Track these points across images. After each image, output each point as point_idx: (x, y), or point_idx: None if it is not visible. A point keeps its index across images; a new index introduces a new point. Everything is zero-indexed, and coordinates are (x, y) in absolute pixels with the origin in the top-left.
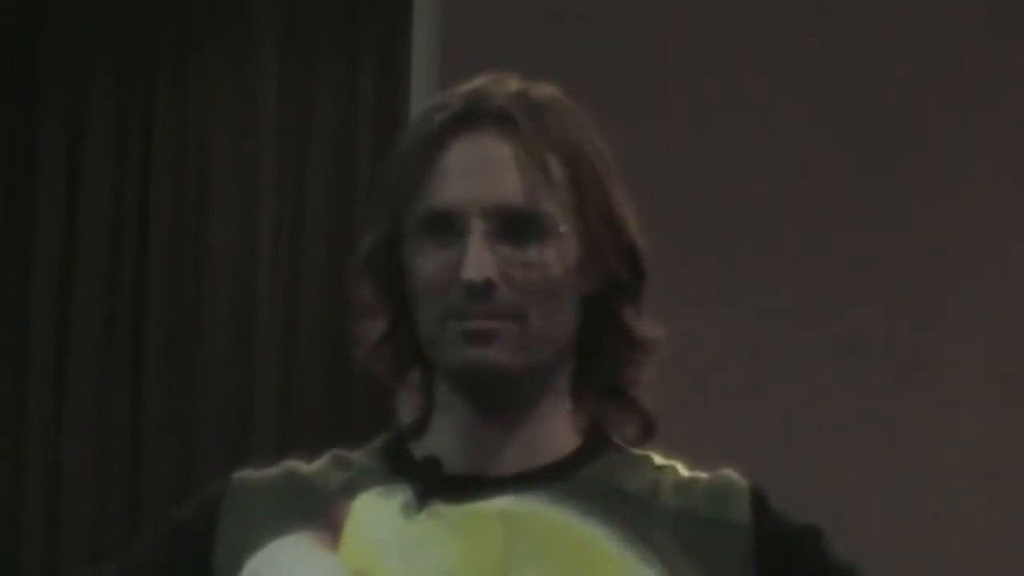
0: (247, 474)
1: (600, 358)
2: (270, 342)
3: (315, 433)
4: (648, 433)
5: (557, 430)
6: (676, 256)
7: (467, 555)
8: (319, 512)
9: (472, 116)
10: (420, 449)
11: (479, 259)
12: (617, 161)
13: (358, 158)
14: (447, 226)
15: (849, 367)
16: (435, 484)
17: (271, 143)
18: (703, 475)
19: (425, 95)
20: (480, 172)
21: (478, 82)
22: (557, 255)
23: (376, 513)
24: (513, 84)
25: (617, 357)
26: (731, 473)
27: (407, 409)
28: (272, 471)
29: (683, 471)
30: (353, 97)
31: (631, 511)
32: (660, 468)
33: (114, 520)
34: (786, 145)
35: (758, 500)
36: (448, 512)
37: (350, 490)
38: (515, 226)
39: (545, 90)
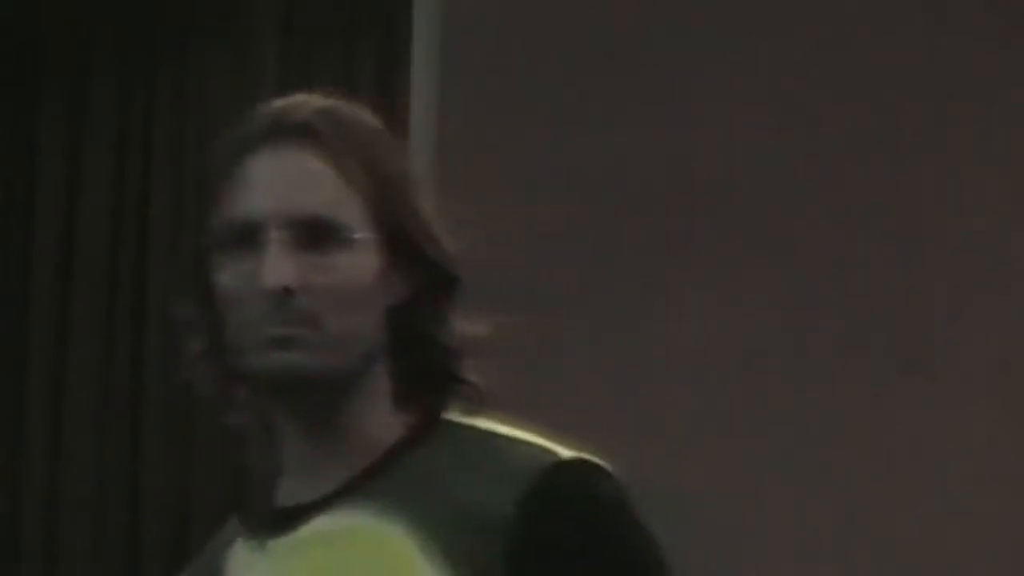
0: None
1: (417, 361)
2: None
3: None
4: (476, 405)
5: (374, 430)
6: (675, 256)
7: None
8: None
9: (275, 130)
10: (281, 486)
11: (276, 267)
12: (617, 161)
13: None
14: (247, 237)
15: (849, 367)
16: (258, 524)
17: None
18: (508, 453)
19: (425, 95)
20: (279, 182)
21: (284, 100)
22: (356, 263)
23: (238, 562)
24: (318, 102)
25: (433, 360)
26: (539, 455)
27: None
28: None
29: (497, 443)
30: (353, 97)
31: (433, 505)
32: (476, 441)
33: (114, 531)
34: (786, 144)
35: (542, 493)
36: (274, 547)
37: (225, 548)
38: (313, 234)
39: (350, 108)
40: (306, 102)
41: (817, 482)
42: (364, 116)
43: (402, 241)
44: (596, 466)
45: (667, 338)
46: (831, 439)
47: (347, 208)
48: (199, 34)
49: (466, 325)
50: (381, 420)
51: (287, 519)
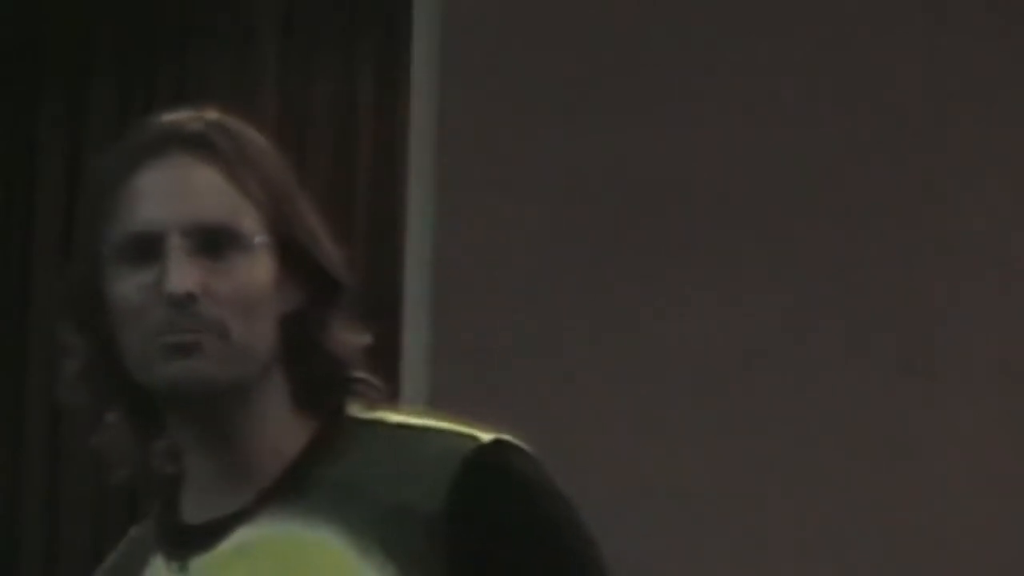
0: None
1: (312, 366)
2: None
3: None
4: (374, 399)
5: (277, 438)
6: (675, 256)
7: None
8: None
9: (167, 142)
10: (185, 502)
11: (180, 273)
12: (617, 161)
13: (358, 158)
14: (145, 248)
15: (849, 367)
16: (179, 544)
17: (270, 143)
18: (426, 445)
19: (425, 95)
20: (177, 192)
21: (171, 114)
22: (254, 268)
23: None
24: (207, 115)
25: (327, 364)
26: (457, 443)
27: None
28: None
29: (411, 436)
30: (353, 97)
31: (361, 508)
32: (388, 437)
33: (114, 531)
34: (786, 144)
35: (468, 483)
36: (197, 564)
37: (136, 568)
38: (213, 241)
39: (238, 122)
40: (196, 115)
41: (817, 482)
42: (251, 130)
43: (294, 249)
44: (514, 446)
45: (667, 338)
46: (831, 439)
47: (243, 216)
48: (199, 34)
49: (353, 333)
50: (283, 427)
51: (205, 535)
